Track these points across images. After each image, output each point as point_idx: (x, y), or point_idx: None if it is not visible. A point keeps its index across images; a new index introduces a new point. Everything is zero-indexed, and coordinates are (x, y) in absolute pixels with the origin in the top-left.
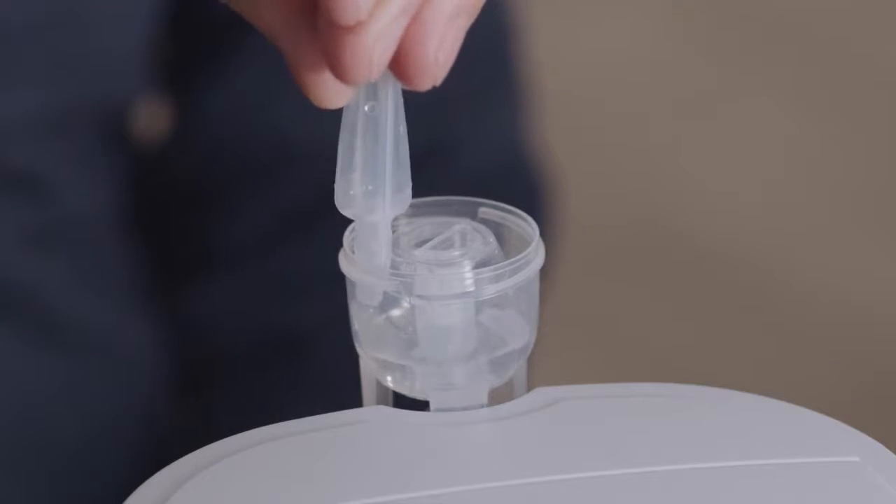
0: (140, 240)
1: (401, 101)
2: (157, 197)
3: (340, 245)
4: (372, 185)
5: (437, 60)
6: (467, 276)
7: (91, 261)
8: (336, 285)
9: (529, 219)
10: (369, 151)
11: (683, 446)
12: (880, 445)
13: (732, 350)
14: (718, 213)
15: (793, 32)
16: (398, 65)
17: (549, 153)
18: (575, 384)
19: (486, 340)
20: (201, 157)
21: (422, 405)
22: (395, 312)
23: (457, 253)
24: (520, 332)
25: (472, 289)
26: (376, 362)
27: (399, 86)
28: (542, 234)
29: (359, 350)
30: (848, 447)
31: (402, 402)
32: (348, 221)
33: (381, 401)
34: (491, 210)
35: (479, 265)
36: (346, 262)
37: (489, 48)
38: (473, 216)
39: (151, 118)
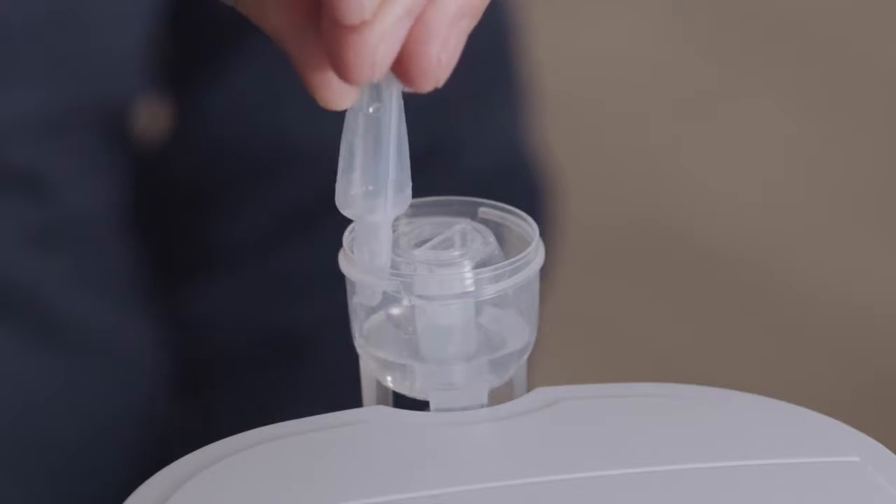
0: (140, 240)
1: (401, 102)
2: (157, 197)
3: (340, 245)
4: (373, 186)
5: (439, 62)
6: (467, 276)
7: (91, 260)
8: (336, 285)
9: (529, 219)
10: (371, 152)
11: (683, 446)
12: (880, 445)
13: (732, 350)
14: (718, 213)
15: (793, 32)
16: (401, 66)
17: (549, 153)
18: (575, 384)
19: (486, 340)
20: (201, 157)
21: (422, 405)
22: (396, 312)
23: (457, 253)
24: (520, 332)
25: (472, 289)
26: (376, 362)
27: (400, 87)
28: (543, 234)
29: (359, 350)
30: (848, 447)
31: (402, 402)
32: (348, 221)
33: (381, 401)
34: (491, 210)
35: (479, 265)
36: (346, 262)
37: (490, 48)
38: (473, 216)
39: (151, 118)
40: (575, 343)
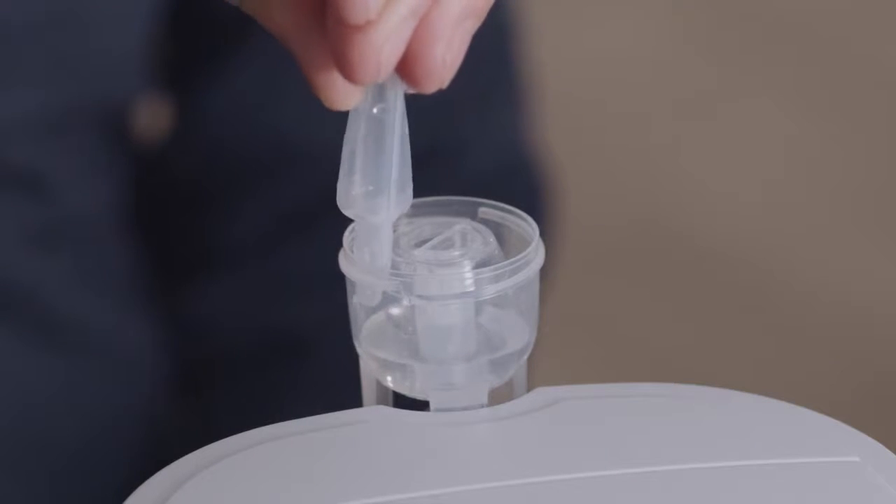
0: (140, 239)
1: (404, 103)
2: (157, 197)
3: (340, 245)
4: (373, 186)
5: (444, 63)
6: (467, 276)
7: (92, 260)
8: (336, 285)
9: (529, 219)
10: (374, 153)
11: (683, 446)
12: (880, 445)
13: (732, 350)
14: (718, 213)
15: (793, 32)
16: (405, 67)
17: (549, 153)
18: (575, 384)
19: (486, 340)
20: (201, 157)
21: (422, 405)
22: (396, 312)
23: (457, 253)
24: (520, 332)
25: (472, 289)
26: (376, 362)
27: (404, 88)
28: (543, 234)
29: (359, 350)
30: (848, 447)
31: (402, 402)
32: (348, 221)
33: (381, 401)
34: (491, 210)
35: (479, 265)
36: (346, 262)
37: (491, 48)
38: (473, 216)
39: (152, 118)
40: (575, 343)
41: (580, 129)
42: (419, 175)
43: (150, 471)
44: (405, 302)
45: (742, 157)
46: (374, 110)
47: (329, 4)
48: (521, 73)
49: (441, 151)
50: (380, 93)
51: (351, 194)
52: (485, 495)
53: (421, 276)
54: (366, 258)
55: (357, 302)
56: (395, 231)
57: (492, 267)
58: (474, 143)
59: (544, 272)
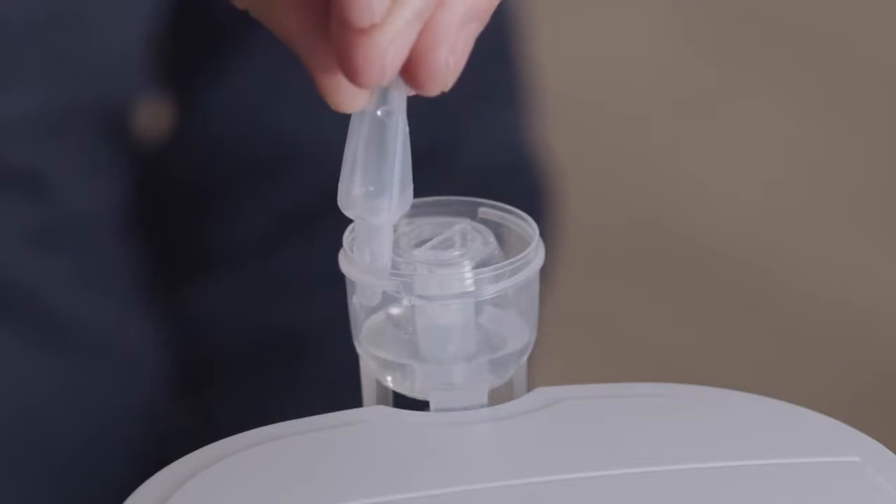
0: (141, 239)
1: (406, 105)
2: (157, 196)
3: (340, 245)
4: (374, 186)
5: (447, 66)
6: (467, 276)
7: (92, 260)
8: (336, 285)
9: (529, 219)
10: (376, 155)
11: (683, 446)
12: (880, 445)
13: (732, 350)
14: (718, 213)
15: (793, 32)
16: (409, 70)
17: (550, 153)
18: (575, 384)
19: (486, 340)
20: (201, 157)
21: (422, 405)
22: (396, 311)
23: (457, 253)
24: (520, 333)
25: (472, 289)
26: (376, 361)
27: (408, 90)
28: (543, 234)
29: (359, 350)
30: (848, 447)
31: (402, 402)
32: (348, 221)
33: (381, 401)
34: (491, 210)
35: (479, 265)
36: (346, 262)
37: (492, 49)
38: (473, 216)
39: (152, 118)
40: (575, 343)
41: (580, 129)
42: (419, 175)
43: (150, 471)
44: (405, 302)
45: (742, 157)
46: (378, 113)
47: (333, 8)
48: (522, 73)
49: (441, 151)
50: (383, 95)
51: (351, 195)
52: (485, 495)
53: (421, 276)
54: (366, 258)
55: (357, 302)
56: (395, 231)
57: (492, 267)
58: (474, 143)
59: (544, 272)
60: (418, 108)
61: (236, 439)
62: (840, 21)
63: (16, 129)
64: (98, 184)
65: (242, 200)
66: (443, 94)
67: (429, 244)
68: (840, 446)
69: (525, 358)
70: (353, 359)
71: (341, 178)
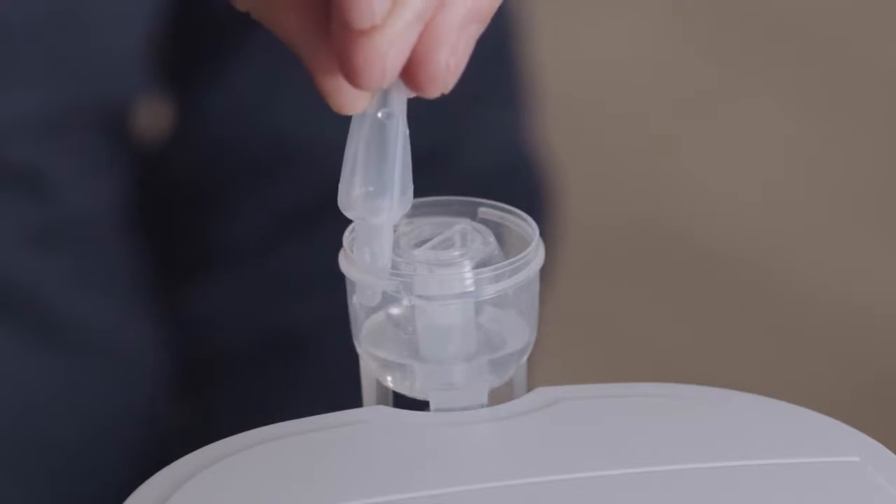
0: (141, 239)
1: (406, 106)
2: (157, 196)
3: (340, 245)
4: (374, 187)
5: (448, 68)
6: (467, 276)
7: (92, 260)
8: (336, 285)
9: (529, 219)
10: (377, 157)
11: (683, 446)
12: (880, 445)
13: (732, 350)
14: (718, 213)
15: (793, 32)
16: (408, 72)
17: (550, 153)
18: (575, 384)
19: (486, 340)
20: (201, 157)
21: (422, 405)
22: (396, 312)
23: (457, 253)
24: (520, 333)
25: (472, 289)
26: (376, 361)
27: (408, 92)
28: (543, 234)
29: (359, 350)
30: (848, 447)
31: (402, 402)
32: (348, 221)
33: (381, 401)
34: (491, 210)
35: (479, 265)
36: (346, 262)
37: (492, 50)
38: (473, 216)
39: (152, 118)
40: (575, 343)
41: (580, 129)
42: (419, 175)
43: (150, 471)
44: (405, 302)
45: (742, 157)
46: (379, 115)
47: (334, 9)
48: (522, 73)
49: (441, 151)
50: (384, 97)
51: (352, 196)
52: (485, 495)
53: (421, 276)
54: (366, 258)
55: (357, 302)
56: (395, 231)
57: (492, 267)
58: (474, 143)
59: (544, 272)
60: (418, 110)
61: (236, 439)
62: (840, 21)
63: (16, 129)
64: (98, 184)
65: (242, 200)
66: (443, 96)
67: (429, 244)
68: (840, 446)
69: (525, 358)
70: (353, 359)
71: (342, 180)
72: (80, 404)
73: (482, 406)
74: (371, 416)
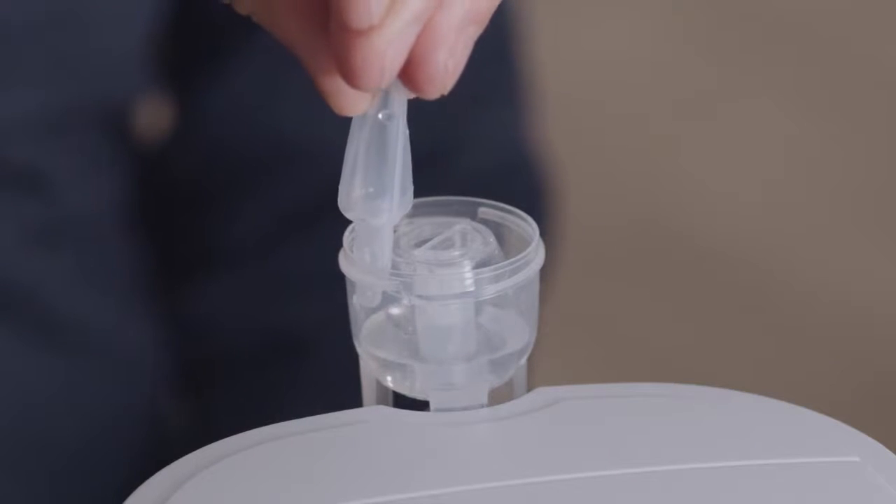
0: (141, 239)
1: (406, 107)
2: (157, 196)
3: (340, 245)
4: (374, 188)
5: (446, 69)
6: (467, 276)
7: (92, 260)
8: (336, 285)
9: (529, 219)
10: (377, 158)
11: (683, 446)
12: (880, 445)
13: (732, 350)
14: (718, 213)
15: (793, 32)
16: (407, 72)
17: (550, 153)
18: (575, 384)
19: (486, 340)
20: (201, 157)
21: (422, 405)
22: (396, 312)
23: (457, 253)
24: (520, 333)
25: (472, 289)
26: (376, 361)
27: (408, 93)
28: (543, 234)
29: (359, 349)
30: (848, 447)
31: (402, 402)
32: (348, 221)
33: (381, 401)
34: (491, 210)
35: (479, 265)
36: (346, 262)
37: (492, 50)
38: (473, 216)
39: (152, 118)
40: (575, 343)
41: (580, 129)
42: (419, 175)
43: (150, 471)
44: (405, 302)
45: (742, 157)
46: (379, 116)
47: (332, 10)
48: (522, 73)
49: (441, 151)
50: (384, 99)
51: (352, 197)
52: (485, 495)
53: (421, 276)
54: (366, 259)
55: (357, 302)
56: (395, 231)
57: (492, 267)
58: (474, 143)
59: (544, 272)
60: (418, 111)
61: (236, 439)
62: (840, 21)
63: (16, 129)
64: (98, 183)
65: (242, 200)
66: (443, 97)
67: (429, 244)
68: (840, 446)
69: (525, 358)
70: (353, 359)
71: (342, 181)
72: (80, 404)
73: (482, 406)
74: (371, 416)
